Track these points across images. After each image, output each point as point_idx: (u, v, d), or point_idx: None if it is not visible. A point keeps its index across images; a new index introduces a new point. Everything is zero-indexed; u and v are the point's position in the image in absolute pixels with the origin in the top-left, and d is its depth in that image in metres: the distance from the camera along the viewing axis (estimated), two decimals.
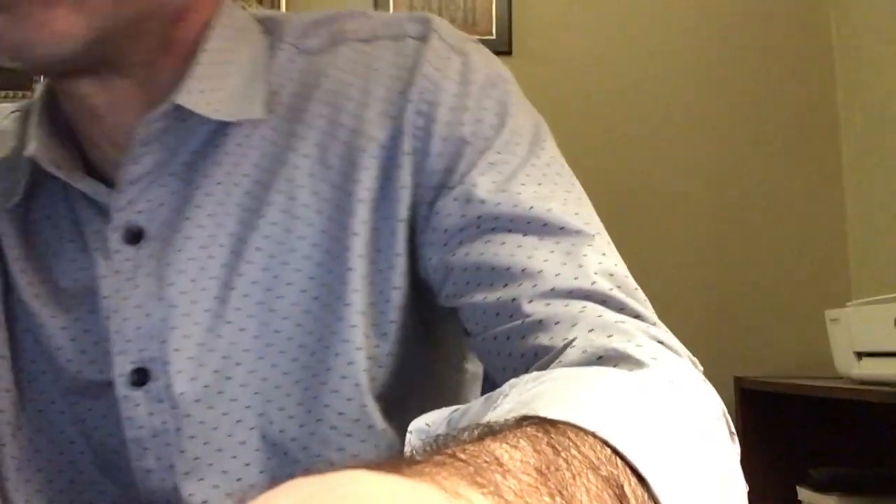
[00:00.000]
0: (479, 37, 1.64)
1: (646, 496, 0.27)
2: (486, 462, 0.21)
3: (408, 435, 0.35)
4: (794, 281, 1.66)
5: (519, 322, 0.44)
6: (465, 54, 0.53)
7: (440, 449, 0.23)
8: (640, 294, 0.46)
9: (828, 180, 1.70)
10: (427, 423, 0.36)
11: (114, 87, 0.48)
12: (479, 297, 0.46)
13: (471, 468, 0.20)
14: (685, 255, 1.66)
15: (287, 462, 0.49)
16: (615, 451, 0.27)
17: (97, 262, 0.51)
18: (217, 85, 0.50)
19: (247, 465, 0.49)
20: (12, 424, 0.53)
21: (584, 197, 0.50)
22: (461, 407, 0.36)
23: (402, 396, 0.51)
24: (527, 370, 0.43)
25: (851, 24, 1.68)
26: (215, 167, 0.51)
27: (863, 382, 1.20)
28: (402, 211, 0.50)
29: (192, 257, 0.50)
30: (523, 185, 0.48)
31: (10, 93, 1.53)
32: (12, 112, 0.59)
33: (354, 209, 0.50)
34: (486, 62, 0.53)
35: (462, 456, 0.21)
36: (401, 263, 0.50)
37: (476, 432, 0.25)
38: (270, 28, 0.55)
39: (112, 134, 0.50)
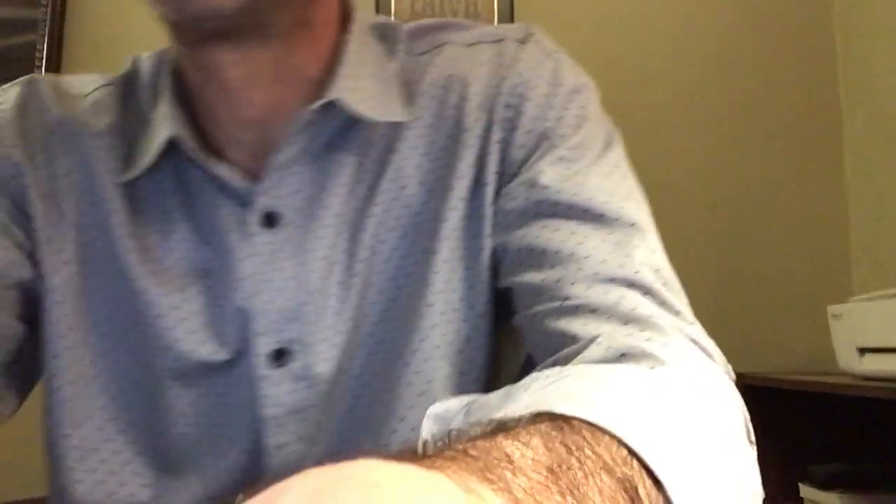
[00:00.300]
0: None
1: (661, 499, 0.26)
2: (496, 459, 0.21)
3: (425, 419, 0.35)
4: (796, 276, 1.66)
5: (557, 304, 0.46)
6: (557, 61, 0.57)
7: (452, 444, 0.23)
8: (683, 296, 0.48)
9: (830, 176, 1.70)
10: (445, 409, 0.36)
11: (252, 60, 0.50)
12: (526, 277, 0.49)
13: (481, 464, 0.20)
14: (686, 251, 1.65)
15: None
16: (631, 452, 0.26)
17: (231, 244, 0.52)
18: (359, 85, 0.52)
19: None
20: (98, 397, 0.53)
21: (644, 203, 0.52)
22: (481, 397, 0.36)
23: (471, 382, 0.53)
24: (556, 352, 0.43)
25: (853, 20, 1.68)
26: (346, 156, 0.53)
27: (865, 378, 1.19)
28: (491, 197, 0.53)
29: (330, 244, 0.52)
30: (587, 178, 0.51)
31: None
32: (102, 86, 0.59)
33: (450, 197, 0.53)
34: (575, 71, 0.57)
35: (473, 452, 0.21)
36: (487, 249, 0.53)
37: (489, 428, 0.25)
38: (385, 33, 0.58)
39: (238, 111, 0.52)
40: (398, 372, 0.51)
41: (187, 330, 0.51)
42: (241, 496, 0.17)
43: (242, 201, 0.52)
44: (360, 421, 0.50)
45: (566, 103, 0.54)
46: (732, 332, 1.70)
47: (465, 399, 0.36)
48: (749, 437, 0.39)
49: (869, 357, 1.20)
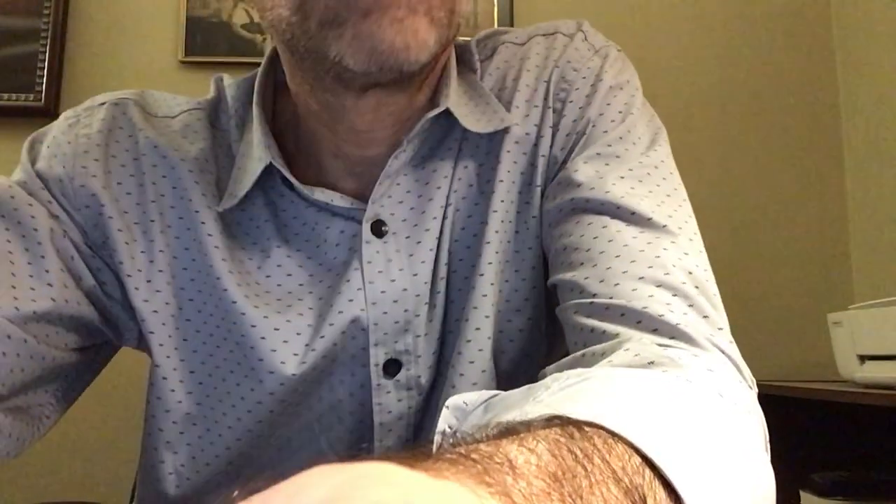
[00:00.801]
0: None
1: None
2: (497, 463, 0.21)
3: (444, 409, 0.35)
4: (797, 284, 1.66)
5: (588, 301, 0.46)
6: (604, 57, 0.57)
7: (454, 447, 0.22)
8: (717, 300, 0.47)
9: (830, 183, 1.70)
10: (465, 402, 0.36)
11: (389, 105, 0.50)
12: (562, 274, 0.49)
13: (480, 468, 0.20)
14: None
15: None
16: (645, 460, 0.26)
17: (343, 258, 0.53)
18: (459, 100, 0.54)
19: None
20: (197, 426, 0.53)
21: (686, 206, 0.53)
22: (501, 392, 0.36)
23: (518, 374, 0.53)
24: (585, 346, 0.44)
25: (853, 31, 1.68)
26: (441, 163, 0.54)
27: (866, 386, 1.19)
28: (539, 199, 0.54)
29: (431, 248, 0.53)
30: (622, 177, 0.50)
31: (15, 95, 1.53)
32: (190, 109, 0.59)
33: (498, 190, 0.54)
34: (621, 67, 0.58)
35: (474, 456, 0.21)
36: (537, 246, 0.54)
37: (495, 432, 0.24)
38: (460, 49, 0.59)
39: (359, 150, 0.53)
40: (461, 367, 0.52)
41: (291, 352, 0.52)
42: (235, 492, 0.17)
43: (347, 217, 0.53)
44: None
45: (607, 99, 0.55)
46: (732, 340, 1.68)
47: (485, 394, 0.36)
48: (766, 451, 0.39)
49: (870, 365, 1.20)
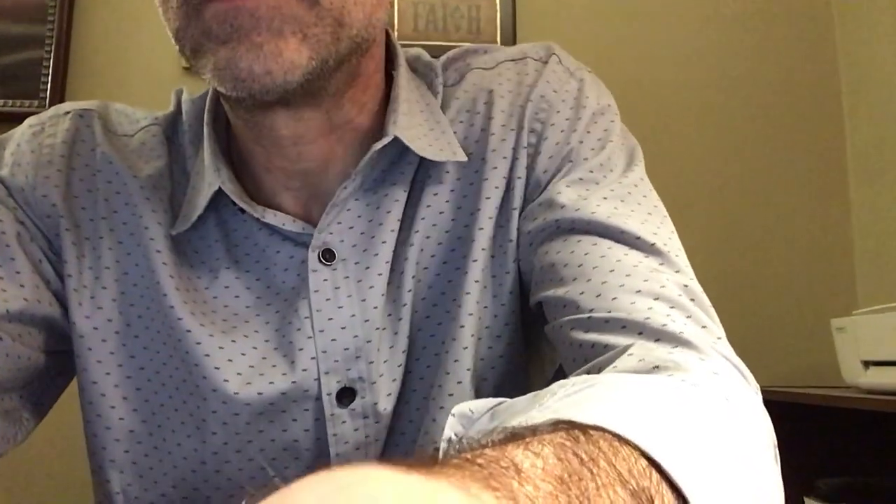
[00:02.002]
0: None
1: None
2: (503, 467, 0.21)
3: (450, 417, 0.35)
4: (800, 289, 1.66)
5: (585, 316, 0.45)
6: (581, 80, 0.57)
7: (461, 452, 0.22)
8: (713, 312, 0.47)
9: (834, 188, 1.70)
10: (470, 409, 0.36)
11: (305, 120, 0.50)
12: (552, 291, 0.49)
13: (485, 472, 0.20)
14: (689, 263, 1.65)
15: None
16: (652, 463, 0.26)
17: (290, 284, 0.52)
18: (411, 123, 0.53)
19: None
20: (142, 444, 0.53)
21: (666, 223, 0.52)
22: (507, 400, 0.36)
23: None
24: (586, 362, 0.43)
25: (856, 34, 1.68)
26: (394, 189, 0.54)
27: (870, 391, 1.19)
28: (517, 221, 0.53)
29: (380, 272, 0.53)
30: (605, 198, 0.51)
31: (19, 101, 1.54)
32: (148, 125, 0.58)
33: (478, 217, 0.53)
34: (598, 92, 0.58)
35: (479, 461, 0.21)
36: (515, 270, 0.53)
37: (500, 437, 0.24)
38: (423, 69, 0.59)
39: (291, 164, 0.52)
40: (441, 400, 0.51)
41: (232, 371, 0.51)
42: (244, 502, 0.17)
43: (298, 242, 0.53)
44: (426, 451, 0.51)
45: (589, 126, 0.55)
46: (736, 345, 1.68)
47: (491, 401, 0.36)
48: (775, 456, 0.39)
49: (873, 370, 1.19)
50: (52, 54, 1.55)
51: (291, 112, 0.49)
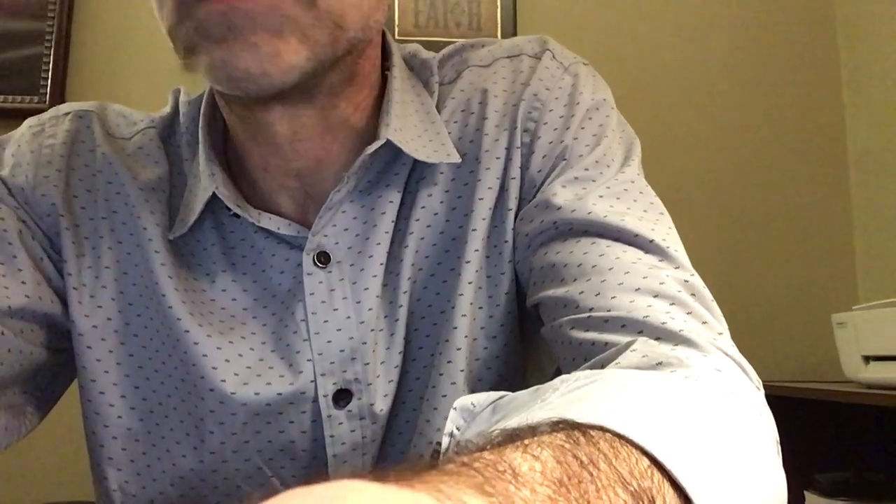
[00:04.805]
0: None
1: None
2: (499, 471, 0.21)
3: (451, 411, 0.35)
4: (801, 285, 1.66)
5: (584, 315, 0.45)
6: (575, 76, 0.56)
7: (457, 455, 0.22)
8: (715, 306, 0.46)
9: (834, 183, 1.70)
10: (473, 403, 0.36)
11: (300, 117, 0.50)
12: (551, 291, 0.48)
13: (480, 478, 0.20)
14: (690, 259, 1.65)
15: None
16: (654, 462, 0.26)
17: (286, 287, 0.52)
18: (405, 124, 0.53)
19: None
20: (140, 442, 0.53)
21: (664, 219, 0.51)
22: (509, 394, 0.36)
23: None
24: (585, 361, 0.43)
25: (856, 30, 1.68)
26: (389, 191, 0.53)
27: (870, 386, 1.19)
28: (513, 222, 0.53)
29: (374, 274, 0.53)
30: (601, 197, 0.50)
31: (19, 98, 1.54)
32: (145, 128, 0.58)
33: (473, 217, 0.53)
34: (593, 86, 0.57)
35: (476, 465, 0.21)
36: (510, 270, 0.53)
37: (498, 439, 0.24)
38: (419, 67, 0.59)
39: (286, 163, 0.52)
40: (435, 401, 0.51)
41: (230, 371, 0.51)
42: None
43: (293, 245, 0.53)
44: (421, 452, 0.51)
45: (583, 122, 0.54)
46: (737, 341, 1.68)
47: (493, 395, 0.36)
48: (778, 453, 0.39)
49: (874, 365, 1.20)
50: (52, 50, 1.55)
51: (287, 108, 0.49)
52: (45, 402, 0.56)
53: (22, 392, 0.53)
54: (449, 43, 0.61)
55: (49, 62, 1.54)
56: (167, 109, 0.60)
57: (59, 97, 1.54)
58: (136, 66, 1.58)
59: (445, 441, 0.34)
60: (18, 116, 1.54)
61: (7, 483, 1.43)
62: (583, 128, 0.54)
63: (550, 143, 0.53)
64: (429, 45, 0.63)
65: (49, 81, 1.54)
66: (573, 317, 0.46)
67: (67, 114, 0.58)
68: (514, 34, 1.68)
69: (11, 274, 0.51)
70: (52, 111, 0.58)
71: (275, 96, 0.46)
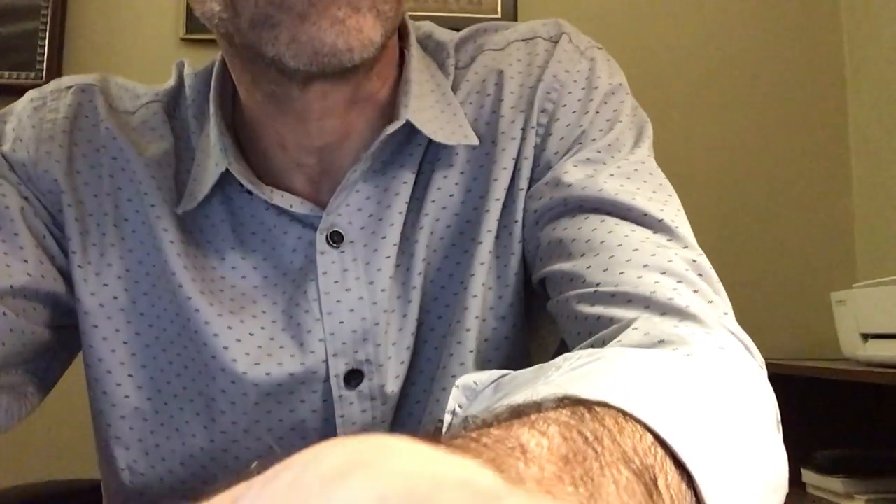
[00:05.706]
0: (483, 16, 1.62)
1: (683, 486, 0.26)
2: (509, 448, 0.21)
3: (453, 389, 0.35)
4: (800, 263, 1.66)
5: (591, 290, 0.45)
6: (592, 60, 0.56)
7: (465, 430, 0.22)
8: (720, 287, 0.46)
9: (835, 162, 1.69)
10: (475, 381, 0.36)
11: (336, 93, 0.49)
12: (558, 266, 0.48)
13: (491, 454, 0.20)
14: None
15: None
16: (657, 439, 0.26)
17: (298, 265, 0.52)
18: (422, 105, 0.52)
19: None
20: (148, 421, 0.53)
21: (673, 200, 0.52)
22: (511, 372, 0.36)
23: None
24: (590, 335, 0.43)
25: (860, 10, 1.66)
26: (403, 171, 0.53)
27: (869, 364, 1.19)
28: (524, 201, 0.53)
29: (387, 255, 0.52)
30: (612, 175, 0.50)
31: (16, 73, 1.53)
32: (149, 102, 0.58)
33: (487, 199, 0.53)
34: (609, 71, 0.57)
35: (485, 440, 0.21)
36: (519, 250, 0.53)
37: (506, 415, 0.24)
38: (434, 48, 0.58)
39: (310, 139, 0.51)
40: (444, 381, 0.51)
41: (241, 351, 0.51)
42: (255, 465, 0.16)
43: (305, 223, 0.52)
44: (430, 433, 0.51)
45: (599, 107, 0.54)
46: (736, 318, 1.68)
47: (495, 373, 0.36)
48: (778, 430, 0.39)
49: (872, 343, 1.20)
50: (48, 25, 1.54)
51: (327, 85, 0.48)
52: (46, 383, 0.55)
53: (24, 372, 0.53)
54: (449, 19, 0.61)
55: (45, 38, 1.53)
56: (171, 82, 0.59)
57: (55, 73, 1.53)
58: (133, 40, 1.57)
59: (447, 419, 0.34)
60: (15, 92, 1.53)
61: (8, 461, 1.43)
62: (598, 112, 0.54)
63: (568, 125, 0.53)
64: (427, 20, 0.62)
65: (45, 57, 1.53)
66: (580, 291, 0.46)
67: (70, 87, 0.57)
68: (515, 10, 1.66)
69: (13, 252, 0.50)
70: (53, 84, 0.57)
71: (330, 74, 0.46)
